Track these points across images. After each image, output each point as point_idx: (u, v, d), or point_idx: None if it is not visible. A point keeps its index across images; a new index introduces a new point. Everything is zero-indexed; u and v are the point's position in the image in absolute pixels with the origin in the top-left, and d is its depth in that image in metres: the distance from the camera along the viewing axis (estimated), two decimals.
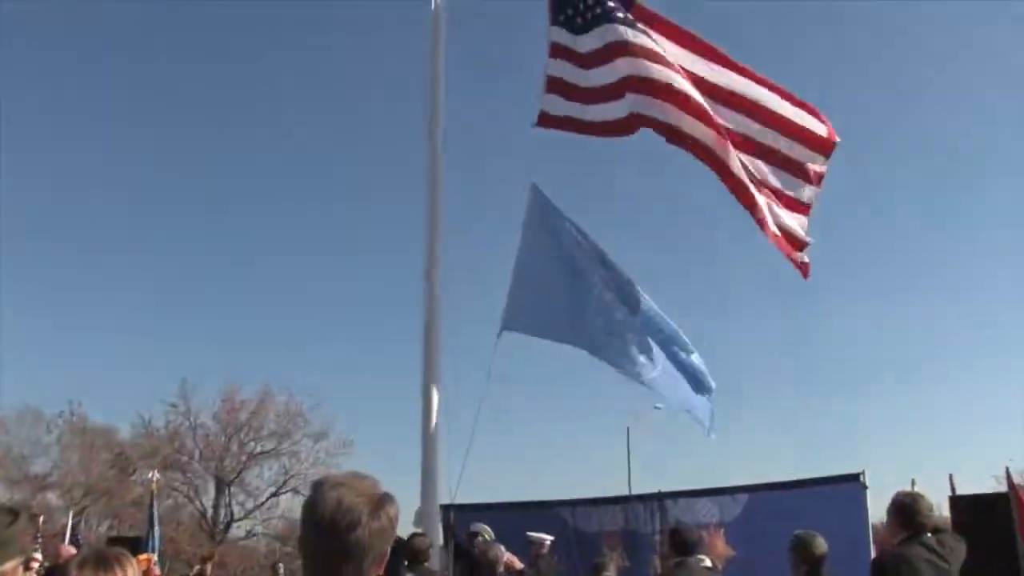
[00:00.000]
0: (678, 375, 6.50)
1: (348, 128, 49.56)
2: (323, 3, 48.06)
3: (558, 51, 6.43)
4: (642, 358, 6.23)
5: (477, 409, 5.65)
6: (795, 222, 6.08)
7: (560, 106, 6.46)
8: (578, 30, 6.35)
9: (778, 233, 6.00)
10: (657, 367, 6.31)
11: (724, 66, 6.12)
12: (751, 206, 5.92)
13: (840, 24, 48.41)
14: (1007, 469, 9.15)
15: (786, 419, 47.37)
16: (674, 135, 6.04)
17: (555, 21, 6.41)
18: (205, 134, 49.33)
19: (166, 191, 49.36)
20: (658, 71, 5.99)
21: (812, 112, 6.12)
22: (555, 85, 6.44)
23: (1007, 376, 44.57)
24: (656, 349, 6.36)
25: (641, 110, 6.13)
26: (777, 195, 6.07)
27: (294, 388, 34.25)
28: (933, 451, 39.83)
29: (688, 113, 5.92)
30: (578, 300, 6.31)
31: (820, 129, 6.07)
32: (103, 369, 45.34)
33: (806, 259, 6.14)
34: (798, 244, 6.12)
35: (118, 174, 46.77)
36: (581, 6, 6.33)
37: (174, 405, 33.24)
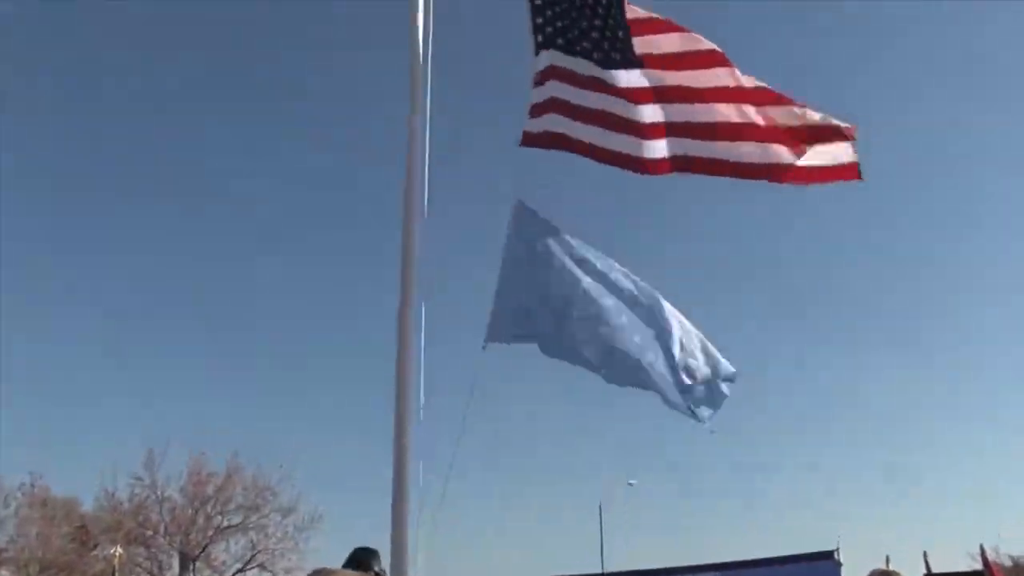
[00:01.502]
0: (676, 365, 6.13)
1: (313, 188, 49.74)
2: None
3: (547, 74, 6.11)
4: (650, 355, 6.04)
5: (444, 484, 5.55)
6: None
7: (549, 123, 6.16)
8: (573, 54, 6.08)
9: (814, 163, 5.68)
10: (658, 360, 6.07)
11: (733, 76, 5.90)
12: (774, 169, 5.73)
13: None
14: (981, 547, 9.13)
15: (758, 495, 47.07)
16: (706, 166, 5.89)
17: (544, 46, 6.08)
18: (171, 190, 49.29)
19: (124, 251, 48.95)
20: (674, 109, 5.90)
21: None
22: (542, 108, 6.15)
23: (981, 452, 44.75)
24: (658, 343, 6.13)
25: (671, 151, 5.95)
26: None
27: (263, 460, 33.68)
28: (907, 529, 39.66)
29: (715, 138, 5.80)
30: (570, 309, 6.15)
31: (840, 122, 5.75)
32: (67, 440, 44.36)
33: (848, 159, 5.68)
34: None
35: (76, 237, 46.46)
36: (572, 36, 6.07)
37: (139, 478, 32.55)
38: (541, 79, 6.09)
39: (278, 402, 47.15)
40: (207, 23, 50.06)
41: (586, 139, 6.12)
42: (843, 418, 47.21)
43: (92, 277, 47.52)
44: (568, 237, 6.30)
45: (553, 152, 6.20)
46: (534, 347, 6.27)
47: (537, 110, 6.11)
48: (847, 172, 5.69)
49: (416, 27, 5.99)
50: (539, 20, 6.05)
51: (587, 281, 6.21)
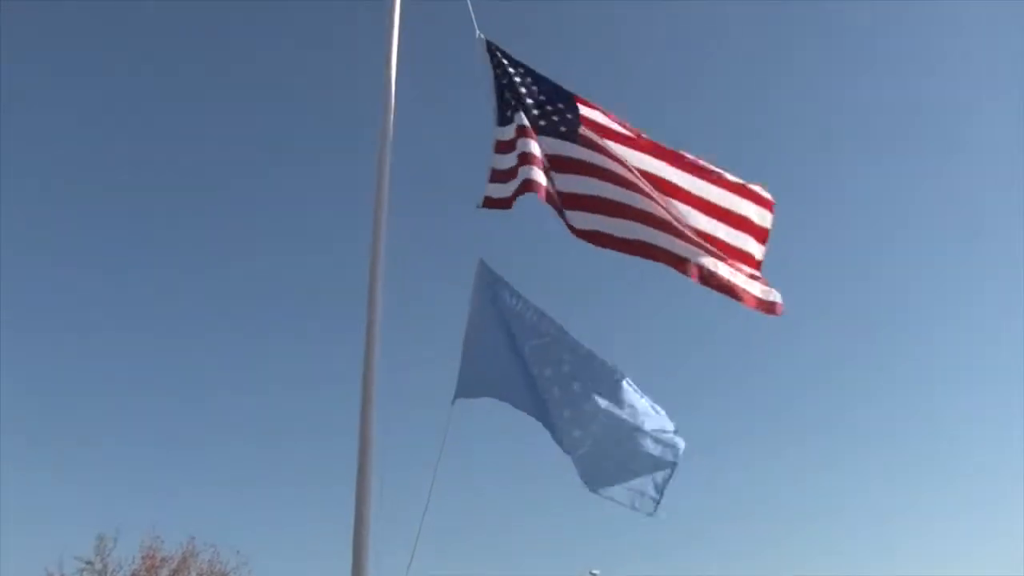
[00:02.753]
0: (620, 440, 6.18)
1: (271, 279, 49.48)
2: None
3: (512, 142, 6.42)
4: (576, 432, 6.13)
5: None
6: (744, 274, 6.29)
7: (507, 188, 6.38)
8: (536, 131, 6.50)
9: (747, 288, 6.20)
10: (587, 442, 6.12)
11: (667, 162, 6.43)
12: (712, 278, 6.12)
13: None
14: None
15: None
16: (636, 248, 6.24)
17: (503, 122, 6.49)
18: (125, 253, 48.58)
19: (70, 329, 47.87)
20: (613, 190, 6.23)
21: (751, 195, 6.45)
22: (501, 175, 6.42)
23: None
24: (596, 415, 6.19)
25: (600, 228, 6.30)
26: (725, 250, 6.31)
27: (220, 544, 32.53)
28: None
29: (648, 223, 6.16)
30: (524, 368, 6.30)
31: (759, 217, 6.43)
32: (10, 523, 42.47)
33: (772, 297, 6.24)
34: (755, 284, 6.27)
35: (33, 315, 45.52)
36: (526, 107, 6.51)
37: (89, 563, 31.19)
38: (505, 147, 6.44)
39: (237, 486, 45.80)
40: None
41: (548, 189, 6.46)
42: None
43: (34, 355, 46.07)
44: (525, 300, 6.43)
45: (516, 217, 6.41)
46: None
47: (499, 176, 6.40)
48: (766, 306, 6.21)
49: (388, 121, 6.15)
50: (506, 94, 6.60)
51: (537, 343, 6.34)
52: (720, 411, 45.70)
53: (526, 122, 6.40)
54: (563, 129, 6.43)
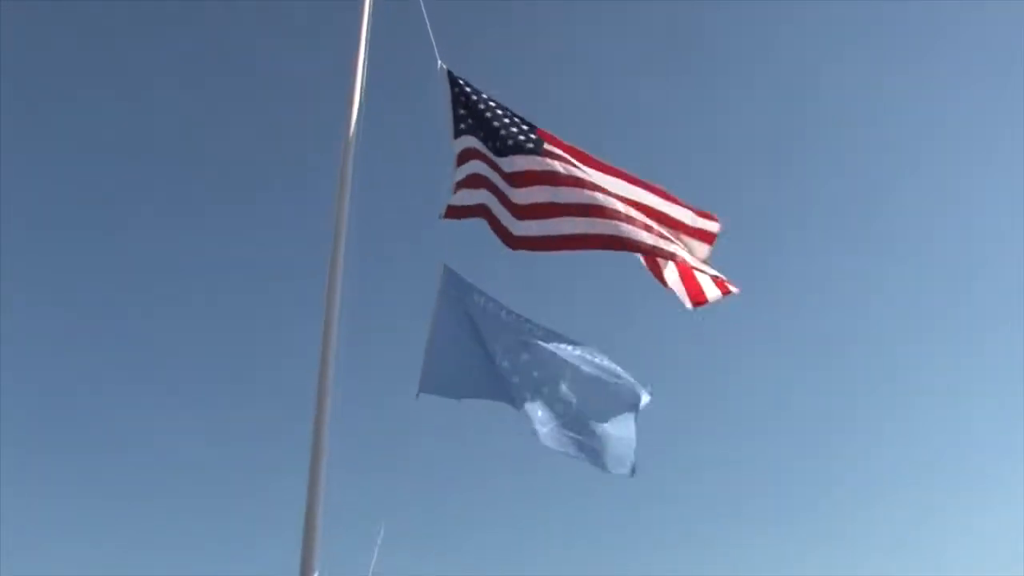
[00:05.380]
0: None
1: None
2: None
3: (468, 155, 6.79)
4: (540, 412, 6.42)
5: None
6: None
7: (471, 196, 6.76)
8: (492, 151, 6.78)
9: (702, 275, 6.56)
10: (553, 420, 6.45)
11: (622, 179, 6.71)
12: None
13: None
14: None
15: None
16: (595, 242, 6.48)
17: (458, 134, 6.82)
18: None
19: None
20: (571, 193, 6.50)
21: (699, 213, 6.73)
22: (466, 182, 6.78)
23: None
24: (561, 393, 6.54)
25: (567, 230, 6.54)
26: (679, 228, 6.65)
27: None
28: None
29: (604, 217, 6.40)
30: (493, 358, 6.55)
31: (707, 225, 6.74)
32: None
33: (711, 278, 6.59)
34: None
35: None
36: (490, 129, 6.77)
37: None
38: (462, 160, 6.82)
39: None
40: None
41: (492, 211, 6.81)
42: None
43: None
44: (495, 300, 6.74)
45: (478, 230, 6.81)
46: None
47: (458, 186, 6.78)
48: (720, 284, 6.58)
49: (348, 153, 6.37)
50: (460, 111, 6.91)
51: (510, 339, 6.65)
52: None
53: (478, 146, 6.76)
54: (530, 146, 6.66)
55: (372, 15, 6.83)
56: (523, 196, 6.62)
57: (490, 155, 6.74)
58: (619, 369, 6.76)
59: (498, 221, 6.68)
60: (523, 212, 6.62)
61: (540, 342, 6.67)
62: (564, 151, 6.69)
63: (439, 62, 7.02)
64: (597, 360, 6.74)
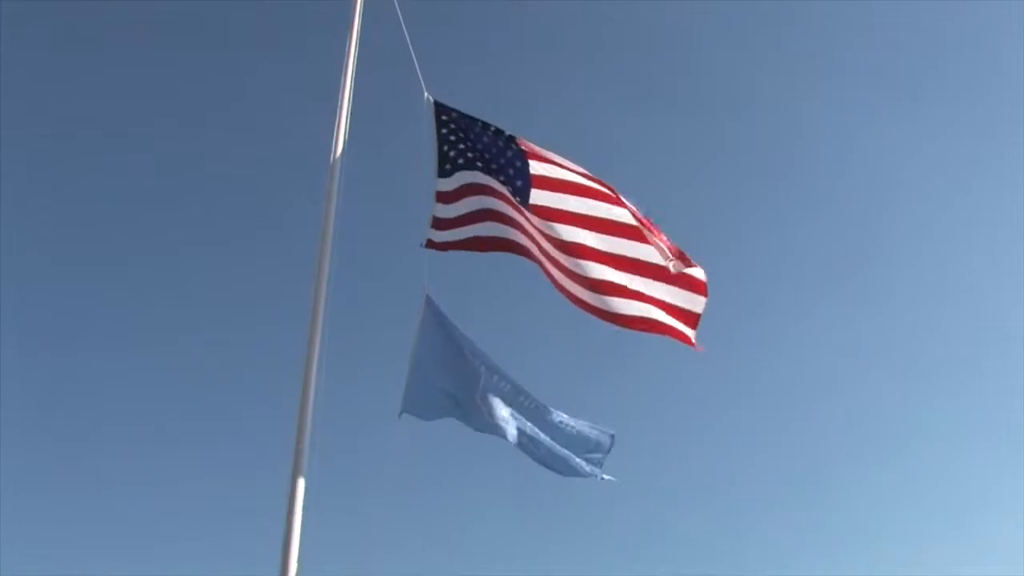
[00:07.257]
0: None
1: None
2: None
3: (447, 197, 6.95)
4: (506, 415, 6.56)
5: None
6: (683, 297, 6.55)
7: (450, 234, 6.95)
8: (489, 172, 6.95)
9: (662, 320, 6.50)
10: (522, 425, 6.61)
11: (608, 203, 6.67)
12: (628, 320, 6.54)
13: None
14: None
15: None
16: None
17: (443, 174, 6.92)
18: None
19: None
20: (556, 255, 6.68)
21: (680, 255, 6.56)
22: (443, 223, 6.94)
23: None
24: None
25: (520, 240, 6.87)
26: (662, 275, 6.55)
27: None
28: None
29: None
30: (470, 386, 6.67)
31: (694, 273, 6.57)
32: None
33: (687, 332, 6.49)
34: (689, 319, 6.53)
35: None
36: (471, 156, 6.93)
37: None
38: (447, 198, 6.90)
39: None
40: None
41: (498, 235, 6.96)
42: None
43: None
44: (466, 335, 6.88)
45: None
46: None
47: (442, 224, 6.87)
48: (683, 336, 6.50)
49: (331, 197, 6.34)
50: (446, 148, 6.92)
51: (483, 370, 6.75)
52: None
53: (487, 181, 6.86)
54: (518, 198, 6.73)
55: (359, 45, 6.84)
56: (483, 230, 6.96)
57: (506, 192, 6.78)
58: (585, 427, 6.84)
59: (542, 263, 6.81)
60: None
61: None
62: (551, 187, 6.69)
63: (426, 93, 7.00)
64: (557, 419, 6.81)
